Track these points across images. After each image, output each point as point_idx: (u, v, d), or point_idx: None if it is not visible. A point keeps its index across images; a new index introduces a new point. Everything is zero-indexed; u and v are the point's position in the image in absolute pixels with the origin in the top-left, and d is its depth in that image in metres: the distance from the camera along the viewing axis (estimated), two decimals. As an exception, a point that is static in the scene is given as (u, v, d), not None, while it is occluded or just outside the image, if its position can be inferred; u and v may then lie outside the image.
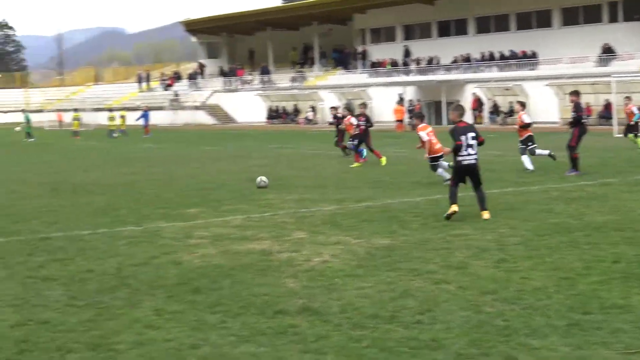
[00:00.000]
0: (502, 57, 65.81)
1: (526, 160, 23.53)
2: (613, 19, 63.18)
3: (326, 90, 73.24)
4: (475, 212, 15.47)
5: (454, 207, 14.78)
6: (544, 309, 8.65)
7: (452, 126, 15.50)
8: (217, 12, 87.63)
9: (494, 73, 64.99)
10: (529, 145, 23.76)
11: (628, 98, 33.99)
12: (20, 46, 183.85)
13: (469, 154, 14.98)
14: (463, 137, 14.93)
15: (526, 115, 24.44)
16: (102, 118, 79.98)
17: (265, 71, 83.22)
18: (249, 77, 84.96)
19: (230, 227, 14.80)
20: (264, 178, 21.21)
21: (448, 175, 20.69)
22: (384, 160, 27.28)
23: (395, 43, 76.44)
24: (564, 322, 8.12)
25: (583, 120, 22.77)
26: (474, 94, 62.77)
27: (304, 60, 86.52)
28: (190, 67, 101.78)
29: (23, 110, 64.62)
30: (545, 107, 57.56)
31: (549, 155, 24.13)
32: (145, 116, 58.91)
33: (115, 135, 56.80)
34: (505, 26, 69.23)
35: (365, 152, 28.44)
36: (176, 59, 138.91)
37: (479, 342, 7.61)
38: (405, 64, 73.25)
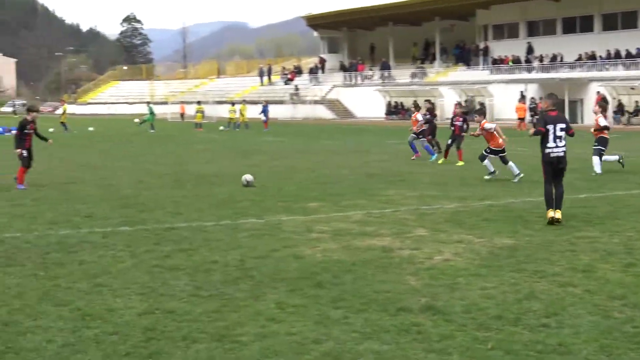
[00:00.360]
0: (629, 56, 64.06)
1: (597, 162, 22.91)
2: None
3: (446, 87, 72.69)
4: (600, 214, 15.13)
5: (550, 213, 14.15)
6: (676, 316, 8.37)
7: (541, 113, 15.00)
8: (339, 7, 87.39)
9: (620, 72, 63.34)
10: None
11: None
12: (146, 39, 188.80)
13: (557, 146, 14.32)
14: (551, 127, 14.35)
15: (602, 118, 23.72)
16: (223, 111, 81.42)
17: (385, 66, 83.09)
18: (369, 72, 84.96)
19: (351, 222, 14.81)
20: (248, 177, 21.05)
21: (492, 168, 21.78)
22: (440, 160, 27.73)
23: (517, 40, 75.24)
24: (698, 332, 7.84)
25: None
26: (598, 92, 61.32)
27: (424, 56, 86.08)
28: (311, 61, 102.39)
29: (148, 103, 66.06)
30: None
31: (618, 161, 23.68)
32: (264, 110, 59.51)
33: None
34: (633, 23, 67.35)
35: (429, 148, 29.26)
36: (297, 53, 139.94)
37: (608, 348, 7.40)
38: (528, 61, 72.07)
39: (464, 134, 27.46)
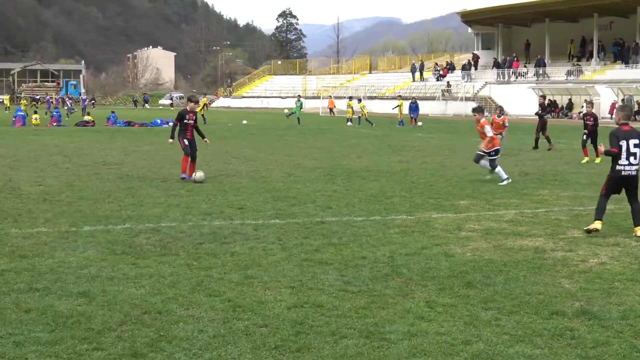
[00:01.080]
0: None
1: None
2: None
3: (603, 85, 70.65)
4: None
5: (597, 225, 13.12)
6: None
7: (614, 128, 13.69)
8: (495, 3, 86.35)
9: None
10: None
11: None
12: (301, 34, 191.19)
13: (630, 164, 13.18)
14: (623, 143, 13.17)
15: None
16: (375, 106, 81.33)
17: (540, 63, 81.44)
18: (524, 69, 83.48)
19: (503, 221, 14.55)
20: (200, 174, 20.60)
21: (489, 168, 21.13)
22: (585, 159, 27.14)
23: (681, 37, 72.51)
24: None
25: None
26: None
27: (581, 53, 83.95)
28: (464, 57, 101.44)
29: (299, 97, 66.66)
30: None
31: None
32: (412, 107, 59.29)
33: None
34: None
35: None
36: (450, 49, 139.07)
37: None
38: (692, 59, 69.32)
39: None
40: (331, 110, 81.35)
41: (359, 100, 62.88)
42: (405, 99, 70.00)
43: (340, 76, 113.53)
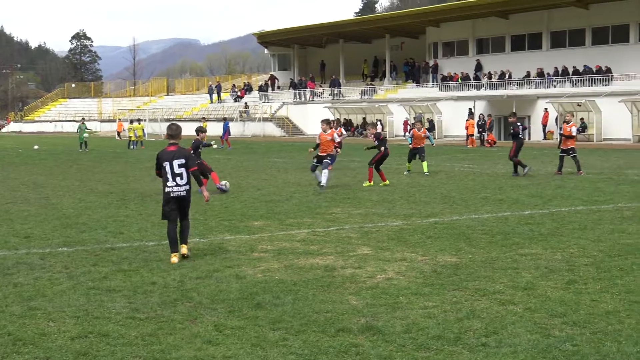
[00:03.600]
0: (576, 72, 64.80)
1: None
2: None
3: (395, 104, 72.94)
4: (544, 231, 15.18)
5: (174, 258, 12.66)
6: (615, 334, 8.34)
7: None
8: (290, 24, 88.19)
9: (567, 88, 64.03)
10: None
11: None
12: (96, 56, 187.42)
13: (178, 184, 12.96)
14: (166, 164, 12.98)
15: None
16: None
17: (335, 83, 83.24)
18: (319, 89, 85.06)
19: (295, 241, 14.68)
20: None
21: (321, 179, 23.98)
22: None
23: (467, 57, 75.83)
24: (636, 349, 7.81)
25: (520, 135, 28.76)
26: (545, 109, 61.98)
27: (374, 73, 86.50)
28: (261, 79, 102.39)
29: (82, 120, 63.09)
30: (619, 123, 56.65)
31: None
32: (225, 127, 59.33)
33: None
34: (580, 41, 68.14)
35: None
36: (248, 70, 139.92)
37: (546, 368, 7.34)
38: (477, 77, 72.63)
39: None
40: (119, 133, 79.43)
41: (138, 122, 61.89)
42: (213, 120, 70.06)
43: (137, 99, 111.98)
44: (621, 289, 10.37)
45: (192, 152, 21.26)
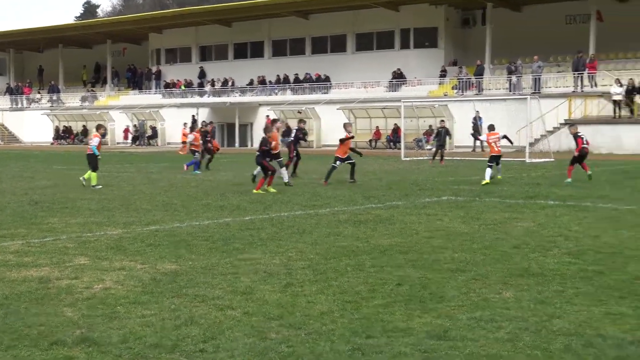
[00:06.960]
0: (297, 80, 66.65)
1: None
2: (405, 45, 65.11)
3: (117, 111, 71.95)
4: (263, 235, 15.44)
5: None
6: (329, 333, 8.57)
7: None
8: (6, 27, 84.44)
9: (288, 96, 65.74)
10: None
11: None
12: None
13: None
14: None
15: None
16: None
17: (54, 89, 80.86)
18: (37, 96, 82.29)
19: (8, 252, 14.01)
20: None
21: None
22: None
23: (190, 64, 76.14)
24: (348, 347, 8.06)
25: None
26: (267, 116, 63.30)
27: (95, 79, 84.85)
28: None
29: None
30: (338, 130, 58.81)
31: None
32: None
33: None
34: (301, 50, 70.18)
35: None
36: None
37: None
38: (200, 85, 72.99)
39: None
40: None
41: None
42: None
43: None
44: (335, 289, 10.68)
45: None
